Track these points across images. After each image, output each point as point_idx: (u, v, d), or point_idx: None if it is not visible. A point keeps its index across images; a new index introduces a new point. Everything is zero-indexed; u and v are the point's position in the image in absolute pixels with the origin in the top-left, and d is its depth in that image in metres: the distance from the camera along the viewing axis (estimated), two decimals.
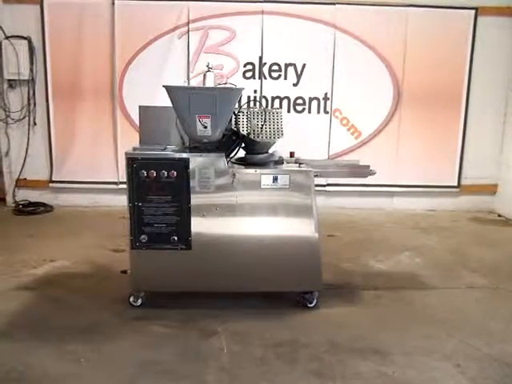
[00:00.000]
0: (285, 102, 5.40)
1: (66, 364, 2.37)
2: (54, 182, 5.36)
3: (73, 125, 5.28)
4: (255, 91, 5.34)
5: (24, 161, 5.28)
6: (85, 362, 2.39)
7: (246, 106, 2.97)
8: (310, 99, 5.41)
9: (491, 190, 5.67)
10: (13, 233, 4.45)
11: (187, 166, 2.77)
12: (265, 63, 5.30)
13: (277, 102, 5.39)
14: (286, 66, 5.33)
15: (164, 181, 2.77)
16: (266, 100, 5.38)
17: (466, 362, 2.44)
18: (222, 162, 2.79)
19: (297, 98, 5.40)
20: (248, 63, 5.30)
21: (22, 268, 3.55)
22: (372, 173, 3.11)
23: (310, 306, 3.00)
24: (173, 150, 2.88)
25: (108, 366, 2.38)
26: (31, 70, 5.09)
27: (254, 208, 2.86)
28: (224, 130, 2.85)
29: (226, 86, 2.94)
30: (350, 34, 5.26)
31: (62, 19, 5.06)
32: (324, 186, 5.40)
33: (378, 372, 2.34)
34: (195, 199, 2.81)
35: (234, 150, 2.96)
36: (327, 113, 5.44)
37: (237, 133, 2.91)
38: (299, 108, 5.43)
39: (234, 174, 2.80)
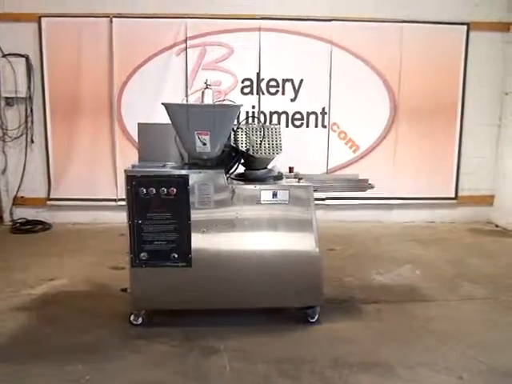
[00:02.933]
0: (283, 116, 5.45)
1: None
2: (51, 199, 5.35)
3: (71, 142, 5.29)
4: (253, 107, 5.39)
5: (21, 178, 5.28)
6: (86, 382, 2.35)
7: (244, 123, 3.00)
8: (308, 114, 5.47)
9: (488, 200, 5.71)
10: (10, 252, 4.43)
11: (186, 183, 2.78)
12: (262, 79, 5.36)
13: (275, 117, 5.44)
14: (284, 81, 5.39)
15: (163, 198, 2.78)
16: (265, 115, 5.43)
17: (468, 374, 2.43)
18: (221, 178, 2.81)
19: (295, 113, 5.45)
20: (246, 79, 5.36)
21: (20, 288, 3.52)
22: (371, 186, 3.13)
23: (311, 321, 2.98)
24: (172, 167, 2.90)
25: None
26: (29, 87, 5.13)
27: (253, 223, 2.86)
28: (223, 147, 2.87)
29: (225, 102, 2.96)
30: (346, 49, 5.34)
31: (59, 37, 5.11)
32: (323, 199, 5.41)
33: None
34: (195, 216, 2.81)
35: (233, 166, 2.98)
36: (325, 127, 5.49)
37: (236, 149, 2.94)
38: (297, 123, 5.48)
39: (233, 190, 2.81)
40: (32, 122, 5.24)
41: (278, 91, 5.41)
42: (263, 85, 5.37)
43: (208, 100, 3.01)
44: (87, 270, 3.93)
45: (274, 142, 2.93)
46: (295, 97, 5.42)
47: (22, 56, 5.09)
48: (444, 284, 3.69)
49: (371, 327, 2.98)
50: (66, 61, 5.16)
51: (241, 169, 3.08)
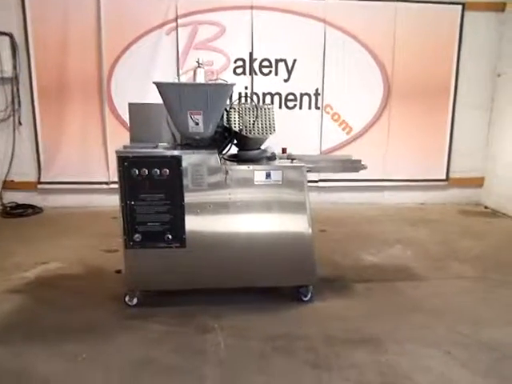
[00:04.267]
0: (276, 98, 5.41)
1: (63, 364, 2.36)
2: (42, 183, 5.29)
3: (60, 124, 5.21)
4: (246, 87, 5.34)
5: (10, 162, 5.20)
6: (82, 360, 2.38)
7: (237, 103, 2.97)
8: (301, 95, 5.43)
9: (478, 182, 5.78)
10: (2, 236, 4.39)
11: (180, 164, 2.76)
12: (255, 59, 5.30)
13: (268, 98, 5.40)
14: (277, 61, 5.34)
15: (156, 179, 2.76)
16: (258, 96, 5.38)
17: (456, 348, 2.50)
18: (214, 159, 2.79)
19: (288, 94, 5.42)
20: (238, 59, 5.29)
21: (14, 271, 3.50)
22: (364, 167, 3.14)
23: (304, 299, 3.03)
24: (164, 148, 2.88)
25: (106, 364, 2.37)
26: (14, 67, 4.99)
27: (247, 204, 2.87)
28: (216, 127, 2.85)
29: (218, 81, 2.92)
30: (340, 29, 5.29)
31: (45, 14, 4.96)
32: (316, 181, 5.45)
33: (373, 362, 2.38)
34: (188, 197, 2.81)
35: (226, 146, 2.97)
36: (318, 108, 5.47)
37: (229, 129, 2.92)
38: (290, 104, 5.44)
39: (226, 171, 2.81)
40: (19, 104, 5.12)
41: (270, 72, 5.35)
42: (256, 65, 5.31)
43: (200, 79, 2.97)
44: (80, 252, 3.92)
45: (267, 122, 2.91)
46: (288, 77, 5.37)
47: (6, 34, 4.93)
48: (434, 264, 3.76)
49: (362, 305, 3.04)
50: (52, 39, 5.02)
51: (234, 150, 3.07)
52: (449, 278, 3.48)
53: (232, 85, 2.73)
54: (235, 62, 5.28)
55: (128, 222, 2.81)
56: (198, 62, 3.01)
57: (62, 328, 2.69)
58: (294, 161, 2.96)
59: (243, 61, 5.28)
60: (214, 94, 2.68)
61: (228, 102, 2.88)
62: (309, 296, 3.03)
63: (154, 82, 2.66)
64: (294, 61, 5.31)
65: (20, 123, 5.18)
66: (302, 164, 2.89)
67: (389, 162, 5.59)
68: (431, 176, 5.70)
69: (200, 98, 2.65)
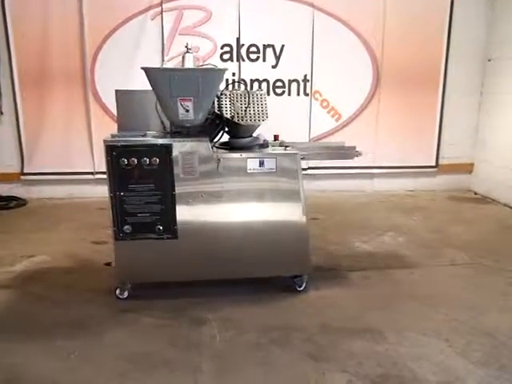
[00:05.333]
0: (264, 84, 5.30)
1: (55, 360, 2.28)
2: (25, 174, 5.13)
3: (43, 113, 5.02)
4: (234, 74, 5.21)
5: None
6: (75, 356, 2.30)
7: (229, 89, 2.87)
8: (290, 81, 5.34)
9: (468, 168, 5.80)
10: None
11: (170, 153, 2.67)
12: (242, 45, 5.17)
13: (256, 85, 5.29)
14: (265, 47, 5.21)
15: (146, 168, 2.67)
16: (245, 83, 5.27)
17: (453, 335, 2.49)
18: (205, 147, 2.70)
19: (276, 81, 5.31)
20: (225, 45, 5.16)
21: None
22: (358, 154, 3.09)
23: (299, 289, 2.99)
24: (153, 136, 2.77)
25: (99, 359, 2.30)
26: None
27: (240, 193, 2.79)
28: (207, 114, 2.76)
29: (208, 66, 2.82)
30: (328, 13, 5.18)
31: (24, 1, 4.75)
32: (305, 169, 5.38)
33: (371, 351, 2.35)
34: (180, 186, 2.72)
35: (217, 134, 2.88)
36: (307, 95, 5.39)
37: (220, 116, 2.83)
38: (279, 90, 5.35)
39: (218, 159, 2.72)
40: (0, 93, 4.92)
41: (258, 58, 5.23)
42: (243, 51, 5.18)
43: (189, 65, 2.86)
44: (68, 245, 3.81)
45: (260, 109, 2.83)
46: (276, 63, 5.26)
47: None
48: (427, 250, 3.75)
49: (358, 294, 3.01)
50: (33, 25, 4.81)
51: (226, 137, 2.98)
52: (442, 265, 3.48)
53: (224, 70, 2.63)
54: (222, 47, 5.15)
55: (117, 213, 2.72)
56: (186, 46, 2.90)
57: (53, 324, 2.60)
58: (288, 148, 2.89)
59: (230, 46, 5.15)
60: (205, 79, 2.58)
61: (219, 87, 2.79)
62: (303, 286, 2.99)
63: (142, 68, 2.55)
64: (282, 46, 5.20)
65: (1, 113, 4.98)
66: (296, 151, 2.82)
67: (378, 149, 5.56)
68: (421, 163, 5.69)
69: (190, 83, 2.55)
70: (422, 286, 3.13)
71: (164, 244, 2.78)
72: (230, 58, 5.20)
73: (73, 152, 5.17)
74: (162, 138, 2.73)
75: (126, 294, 2.87)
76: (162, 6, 4.95)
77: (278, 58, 5.26)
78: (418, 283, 3.16)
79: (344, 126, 5.53)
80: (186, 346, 2.41)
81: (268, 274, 2.99)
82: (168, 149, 2.66)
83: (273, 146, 3.02)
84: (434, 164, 5.72)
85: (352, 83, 5.38)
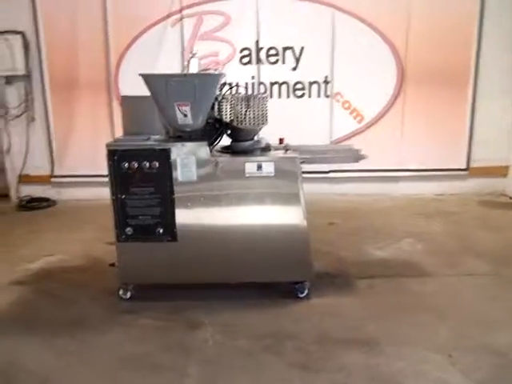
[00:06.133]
0: (284, 87, 5.26)
1: (51, 357, 2.37)
2: (55, 176, 5.39)
3: (71, 119, 5.26)
4: (253, 77, 5.23)
5: (25, 157, 5.30)
6: (71, 354, 2.38)
7: (229, 93, 2.87)
8: (310, 83, 5.26)
9: (502, 172, 5.43)
10: (15, 228, 4.49)
11: (169, 156, 2.70)
12: (261, 48, 5.16)
13: (275, 87, 5.27)
14: (284, 49, 5.18)
15: (146, 172, 2.72)
16: (265, 86, 5.26)
17: (458, 352, 2.34)
18: (203, 151, 2.72)
19: (296, 83, 5.25)
20: (244, 48, 5.17)
21: (20, 263, 3.56)
22: (363, 157, 2.98)
23: (300, 296, 2.92)
24: (155, 140, 2.82)
25: (94, 358, 2.37)
26: (27, 64, 5.07)
27: (239, 197, 2.78)
28: (207, 118, 2.77)
29: (207, 72, 2.84)
30: (349, 13, 5.05)
31: (54, 11, 5.00)
32: (327, 172, 5.28)
33: (365, 365, 2.26)
34: (179, 190, 2.75)
35: (217, 138, 2.89)
36: (328, 97, 5.29)
37: (220, 120, 2.83)
38: (299, 93, 5.28)
39: (216, 163, 2.73)
40: (32, 100, 5.21)
41: (278, 60, 5.20)
42: (262, 54, 5.17)
43: (193, 70, 2.90)
44: (85, 245, 3.96)
45: (260, 112, 2.80)
46: (296, 66, 5.21)
47: (18, 33, 5.00)
48: (445, 259, 3.55)
49: (363, 303, 2.90)
50: (62, 36, 5.07)
51: (229, 141, 2.98)
52: (459, 275, 3.28)
53: (220, 74, 2.64)
54: (241, 51, 5.16)
55: (119, 215, 2.80)
56: (191, 52, 2.94)
57: (56, 321, 2.71)
58: (288, 151, 2.84)
59: (249, 50, 5.16)
60: (201, 84, 2.60)
61: (220, 91, 2.80)
62: (305, 292, 2.92)
63: (139, 74, 2.60)
64: (302, 48, 5.14)
65: (33, 119, 5.28)
66: (295, 155, 2.77)
67: (404, 151, 5.34)
68: (450, 165, 5.41)
69: (187, 89, 2.58)
70: (433, 296, 2.96)
71: (164, 247, 2.82)
72: (250, 61, 5.21)
73: (99, 155, 5.26)
74: (161, 142, 2.77)
75: (128, 295, 2.94)
76: (181, 12, 5.05)
77: (297, 60, 5.20)
78: (429, 294, 3.00)
79: (367, 127, 5.37)
80: (178, 350, 2.43)
81: (268, 279, 2.94)
82: (167, 153, 2.71)
83: (276, 149, 2.98)
84: (464, 167, 5.41)
85: (375, 83, 5.21)
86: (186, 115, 2.65)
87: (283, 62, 5.20)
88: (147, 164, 2.70)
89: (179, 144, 2.72)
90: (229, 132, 2.92)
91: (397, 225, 4.41)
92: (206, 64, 5.19)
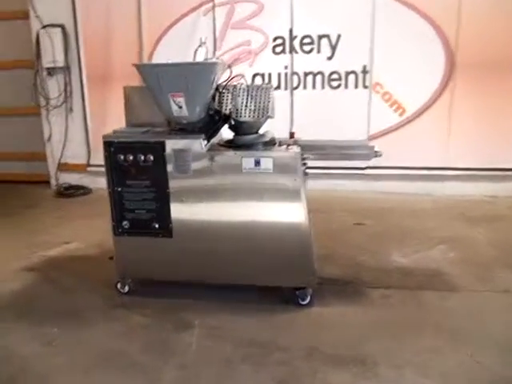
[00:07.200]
0: (318, 77, 4.97)
1: (37, 346, 2.39)
2: (91, 165, 5.57)
3: (107, 110, 5.38)
4: (286, 67, 4.99)
5: (64, 146, 5.54)
6: (55, 345, 2.39)
7: (232, 83, 2.70)
8: (347, 73, 4.90)
9: None
10: (46, 214, 4.69)
11: (163, 150, 2.60)
12: (295, 36, 4.89)
13: (310, 78, 4.99)
14: (319, 37, 4.86)
15: (141, 165, 2.65)
16: (298, 76, 5.00)
17: (464, 381, 2.01)
18: (198, 145, 2.58)
19: (332, 73, 4.93)
20: (278, 37, 4.93)
21: (39, 249, 3.69)
22: (377, 155, 2.67)
23: (302, 303, 2.70)
24: (153, 133, 2.73)
25: (75, 351, 2.35)
26: (66, 56, 5.26)
27: (235, 193, 2.62)
28: (206, 110, 2.62)
29: (203, 61, 2.69)
30: None
31: (91, 3, 5.13)
32: (363, 168, 4.93)
33: None
34: (173, 184, 2.64)
35: (215, 131, 2.73)
36: (366, 88, 4.90)
37: (219, 112, 2.67)
38: (334, 84, 4.95)
39: (212, 157, 2.58)
40: (71, 91, 5.42)
41: (312, 49, 4.90)
42: (296, 42, 4.90)
43: (200, 59, 2.77)
44: (104, 234, 3.99)
45: (261, 104, 2.60)
46: (332, 55, 4.88)
47: (58, 26, 5.20)
48: (479, 271, 3.12)
49: (370, 316, 2.61)
50: (98, 28, 5.17)
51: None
52: (491, 291, 2.85)
53: (214, 63, 2.48)
54: (274, 40, 4.93)
55: (116, 208, 2.76)
56: (201, 40, 2.81)
57: (50, 310, 2.75)
58: (290, 147, 2.61)
59: (283, 39, 4.91)
60: (194, 74, 2.45)
61: (221, 81, 2.64)
62: (307, 300, 2.69)
63: (133, 64, 2.52)
64: (339, 36, 4.79)
65: (71, 109, 5.48)
66: (296, 151, 2.54)
67: (451, 148, 4.82)
68: (505, 164, 4.79)
69: (179, 79, 2.44)
70: (455, 315, 2.59)
71: (159, 242, 2.74)
72: (283, 51, 4.97)
73: None
74: (157, 134, 2.67)
75: (126, 289, 2.90)
76: (214, 1, 4.93)
77: (333, 49, 4.87)
78: (450, 311, 2.63)
79: (409, 121, 4.91)
80: (159, 351, 2.33)
81: (265, 282, 2.75)
82: (161, 146, 2.60)
83: (282, 144, 2.76)
84: None
85: (419, 74, 4.73)
86: (180, 107, 2.52)
87: (318, 51, 4.89)
88: (142, 157, 2.62)
89: (174, 137, 2.60)
90: (232, 125, 2.75)
91: (432, 229, 3.98)
92: (237, 53, 5.15)
